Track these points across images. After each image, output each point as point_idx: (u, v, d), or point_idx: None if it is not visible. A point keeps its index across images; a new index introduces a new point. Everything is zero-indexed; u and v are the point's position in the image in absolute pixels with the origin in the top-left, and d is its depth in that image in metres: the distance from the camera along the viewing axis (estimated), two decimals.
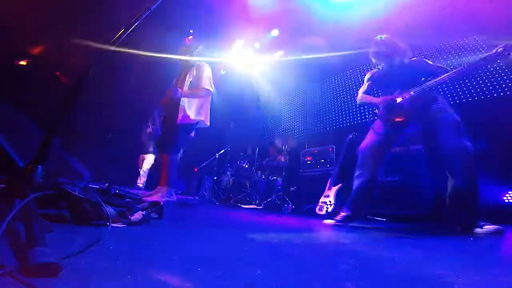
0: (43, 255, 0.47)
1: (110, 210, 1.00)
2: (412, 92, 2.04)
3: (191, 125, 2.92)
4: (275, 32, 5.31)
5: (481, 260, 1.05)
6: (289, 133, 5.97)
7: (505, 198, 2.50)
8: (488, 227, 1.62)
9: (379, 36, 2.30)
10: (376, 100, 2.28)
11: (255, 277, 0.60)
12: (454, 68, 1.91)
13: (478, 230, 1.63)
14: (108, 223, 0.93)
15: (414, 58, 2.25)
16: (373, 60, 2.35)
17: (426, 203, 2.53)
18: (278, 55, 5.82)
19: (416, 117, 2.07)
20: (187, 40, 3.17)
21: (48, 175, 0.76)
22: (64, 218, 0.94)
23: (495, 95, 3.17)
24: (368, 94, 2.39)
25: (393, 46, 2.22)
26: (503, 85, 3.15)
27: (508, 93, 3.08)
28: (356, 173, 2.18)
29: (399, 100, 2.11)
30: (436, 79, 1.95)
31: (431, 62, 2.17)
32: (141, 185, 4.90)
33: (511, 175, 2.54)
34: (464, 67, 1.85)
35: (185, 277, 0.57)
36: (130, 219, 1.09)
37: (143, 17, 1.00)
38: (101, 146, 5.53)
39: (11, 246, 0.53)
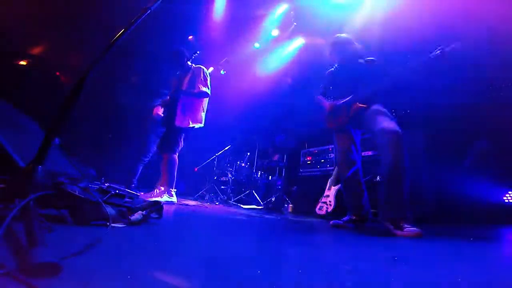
0: (43, 255, 0.47)
1: (110, 210, 1.00)
2: (350, 97, 2.02)
3: (189, 128, 2.94)
4: (275, 32, 5.31)
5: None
6: (289, 132, 5.97)
7: (505, 198, 2.50)
8: (408, 229, 1.49)
9: (337, 34, 2.24)
10: (325, 104, 2.24)
11: (255, 277, 0.60)
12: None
13: (398, 232, 1.51)
14: (108, 223, 0.93)
15: (370, 58, 2.13)
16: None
17: (426, 202, 2.53)
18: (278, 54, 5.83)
19: (356, 123, 2.03)
20: (188, 39, 3.19)
21: (48, 175, 0.76)
22: (64, 218, 0.94)
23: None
24: (322, 94, 2.36)
25: (348, 46, 2.16)
26: (503, 86, 3.14)
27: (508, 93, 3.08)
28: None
29: (339, 103, 2.09)
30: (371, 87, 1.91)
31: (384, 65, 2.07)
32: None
33: (511, 175, 2.54)
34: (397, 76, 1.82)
35: (185, 277, 0.57)
36: (130, 219, 1.09)
37: (143, 17, 0.99)
38: (101, 146, 5.52)
39: (11, 246, 0.53)
